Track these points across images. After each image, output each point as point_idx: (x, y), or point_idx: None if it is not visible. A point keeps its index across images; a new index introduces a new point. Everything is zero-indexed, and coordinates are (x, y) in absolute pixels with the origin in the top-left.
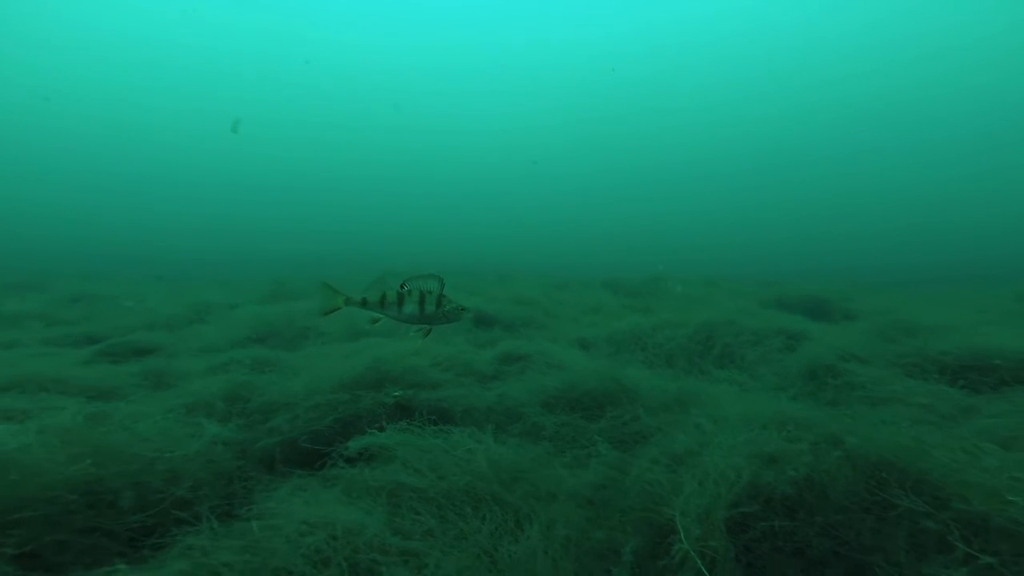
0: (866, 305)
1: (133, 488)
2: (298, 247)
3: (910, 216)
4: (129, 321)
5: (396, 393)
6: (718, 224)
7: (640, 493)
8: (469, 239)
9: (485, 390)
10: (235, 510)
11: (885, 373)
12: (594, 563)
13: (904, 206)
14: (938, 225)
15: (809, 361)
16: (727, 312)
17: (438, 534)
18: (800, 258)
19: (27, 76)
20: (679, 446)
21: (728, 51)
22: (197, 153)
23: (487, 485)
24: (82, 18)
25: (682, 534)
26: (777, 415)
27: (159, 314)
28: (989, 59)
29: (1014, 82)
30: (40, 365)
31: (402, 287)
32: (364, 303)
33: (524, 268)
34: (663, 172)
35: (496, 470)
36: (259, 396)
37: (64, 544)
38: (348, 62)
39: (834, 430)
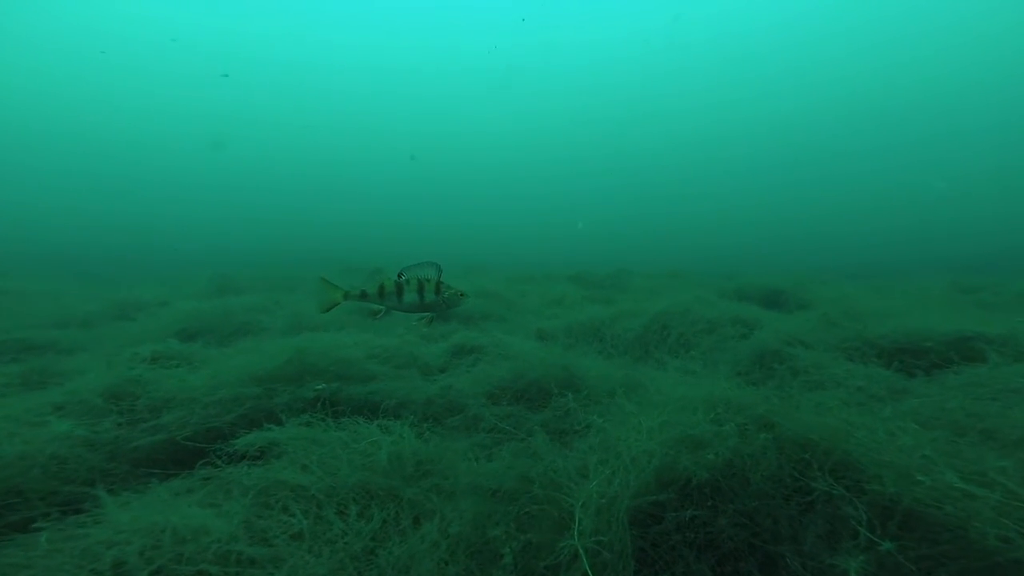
0: (819, 295)
1: None
2: (258, 247)
3: (864, 214)
4: (35, 318)
5: (318, 387)
6: (687, 221)
7: (548, 484)
8: (440, 236)
9: (429, 382)
10: (74, 516)
11: (827, 357)
12: (484, 564)
13: (859, 205)
14: (889, 222)
15: (758, 347)
16: (684, 302)
17: (308, 536)
18: (763, 253)
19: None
20: (605, 434)
21: (714, 52)
22: (163, 153)
23: (385, 480)
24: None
25: (576, 528)
26: (712, 398)
27: (77, 311)
28: (958, 59)
29: (978, 86)
30: None
31: (399, 277)
32: (363, 295)
33: (493, 262)
34: (639, 172)
35: (399, 464)
36: (152, 392)
37: None
38: (344, 62)
39: (763, 412)
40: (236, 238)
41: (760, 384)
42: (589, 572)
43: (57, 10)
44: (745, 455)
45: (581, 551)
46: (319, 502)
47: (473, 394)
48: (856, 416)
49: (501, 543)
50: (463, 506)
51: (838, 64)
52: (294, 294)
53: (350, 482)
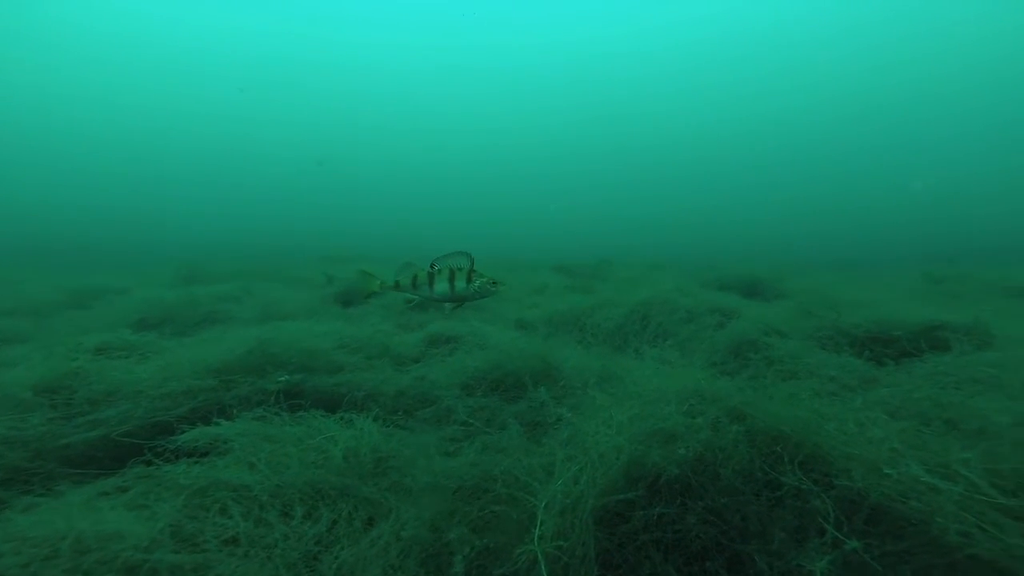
0: (796, 285)
1: None
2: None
3: (842, 208)
4: None
5: (280, 378)
6: (671, 213)
7: (512, 483)
8: (424, 225)
9: (401, 373)
10: None
11: (802, 346)
12: (435, 571)
13: (837, 200)
14: (864, 217)
15: (736, 337)
16: (664, 292)
17: (244, 541)
18: (744, 244)
19: None
20: (575, 428)
21: (699, 50)
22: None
23: (338, 479)
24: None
25: (537, 532)
26: (685, 390)
27: (29, 299)
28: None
29: (954, 90)
30: None
31: (432, 266)
32: (398, 286)
33: (479, 252)
34: (624, 166)
35: (357, 461)
36: (93, 385)
37: None
38: (321, 58)
39: (737, 404)
40: (212, 229)
41: (736, 374)
42: None
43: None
44: (716, 448)
45: (540, 557)
46: (262, 503)
47: (447, 385)
48: (827, 407)
49: (457, 547)
50: (422, 506)
51: (821, 65)
52: (267, 283)
53: (299, 481)
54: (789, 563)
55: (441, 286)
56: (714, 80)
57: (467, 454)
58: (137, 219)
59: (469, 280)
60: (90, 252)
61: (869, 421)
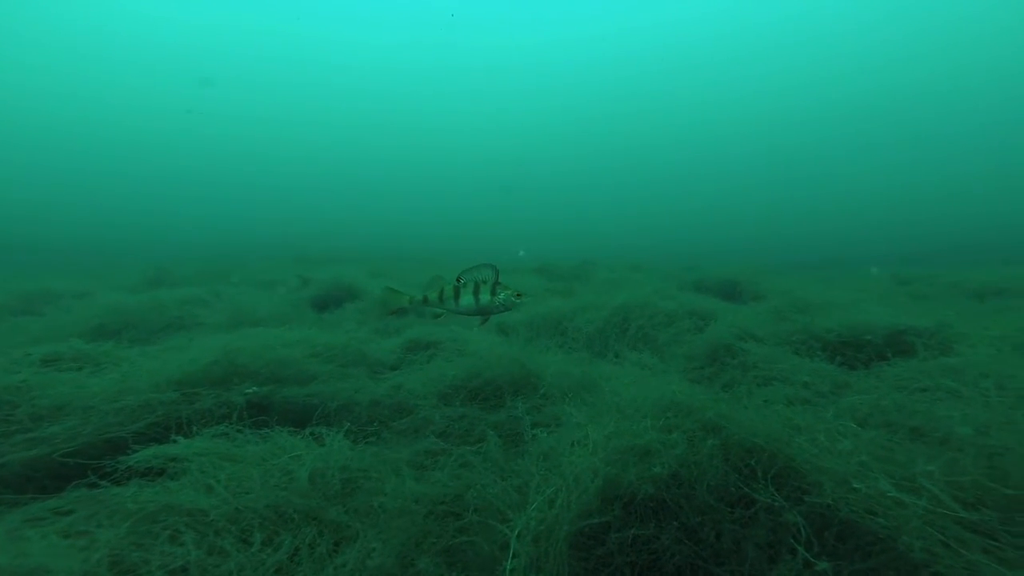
0: (773, 286)
1: None
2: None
3: (817, 209)
4: None
5: (247, 390)
6: (652, 216)
7: (485, 508)
8: (413, 227)
9: (377, 382)
10: None
11: (777, 352)
12: None
13: (813, 203)
14: (839, 217)
15: (713, 342)
16: (644, 295)
17: (194, 570)
18: (723, 245)
19: None
20: (552, 447)
21: (686, 54)
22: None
23: (303, 501)
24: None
25: (508, 565)
26: (662, 402)
27: None
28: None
29: (928, 95)
30: None
31: (458, 280)
32: (426, 300)
33: (461, 254)
34: (608, 169)
35: (324, 481)
36: (37, 399)
37: None
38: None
39: (712, 416)
40: (184, 231)
41: (713, 379)
42: None
43: None
44: (692, 464)
45: None
46: (219, 529)
47: (425, 394)
48: (801, 416)
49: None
50: (390, 532)
51: (804, 67)
52: (239, 287)
53: (261, 505)
54: None
55: (466, 299)
56: (697, 84)
57: (441, 473)
58: (104, 220)
59: (494, 293)
60: (48, 254)
61: (840, 432)
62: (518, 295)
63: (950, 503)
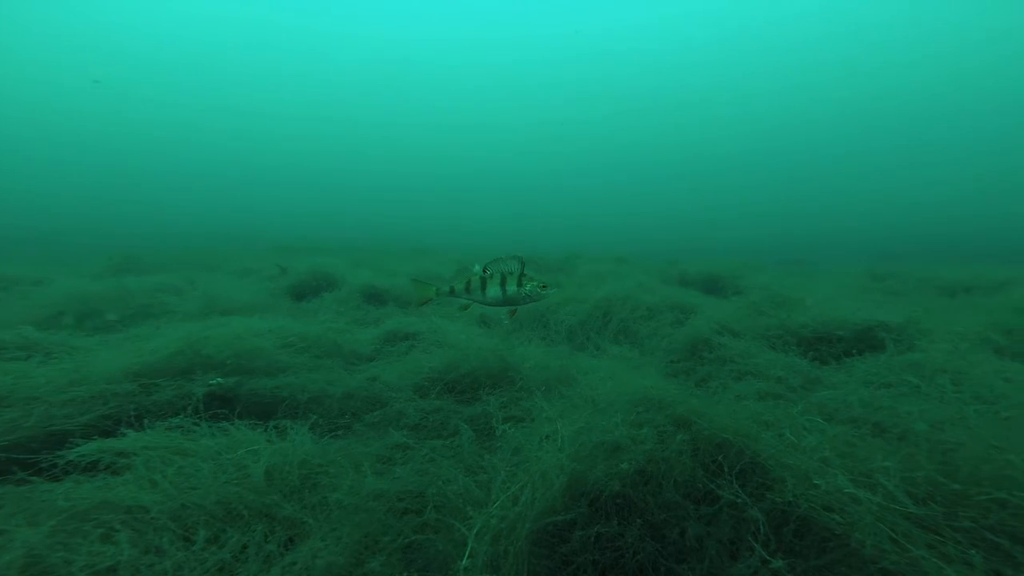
0: (753, 281)
1: None
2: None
3: (799, 207)
4: None
5: (212, 382)
6: (639, 208)
7: (444, 506)
8: (398, 220)
9: (352, 373)
10: None
11: (753, 346)
12: None
13: (796, 200)
14: (820, 214)
15: (692, 336)
16: (626, 288)
17: (124, 571)
18: (710, 239)
19: None
20: (519, 444)
21: (677, 52)
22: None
23: (256, 497)
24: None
25: (463, 563)
26: (635, 396)
27: None
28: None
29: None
30: None
31: (484, 271)
32: (452, 292)
33: (447, 244)
34: (596, 163)
35: (284, 475)
36: None
37: None
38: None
39: (683, 411)
40: (160, 217)
41: (691, 373)
42: None
43: None
44: (660, 460)
45: None
46: (159, 527)
47: (400, 387)
48: (771, 411)
49: None
50: (345, 530)
51: (797, 70)
52: (215, 273)
53: (209, 501)
54: None
55: (493, 291)
56: (690, 82)
57: (403, 468)
58: (75, 205)
59: (520, 284)
60: (11, 243)
61: (806, 428)
62: (543, 286)
63: (903, 499)
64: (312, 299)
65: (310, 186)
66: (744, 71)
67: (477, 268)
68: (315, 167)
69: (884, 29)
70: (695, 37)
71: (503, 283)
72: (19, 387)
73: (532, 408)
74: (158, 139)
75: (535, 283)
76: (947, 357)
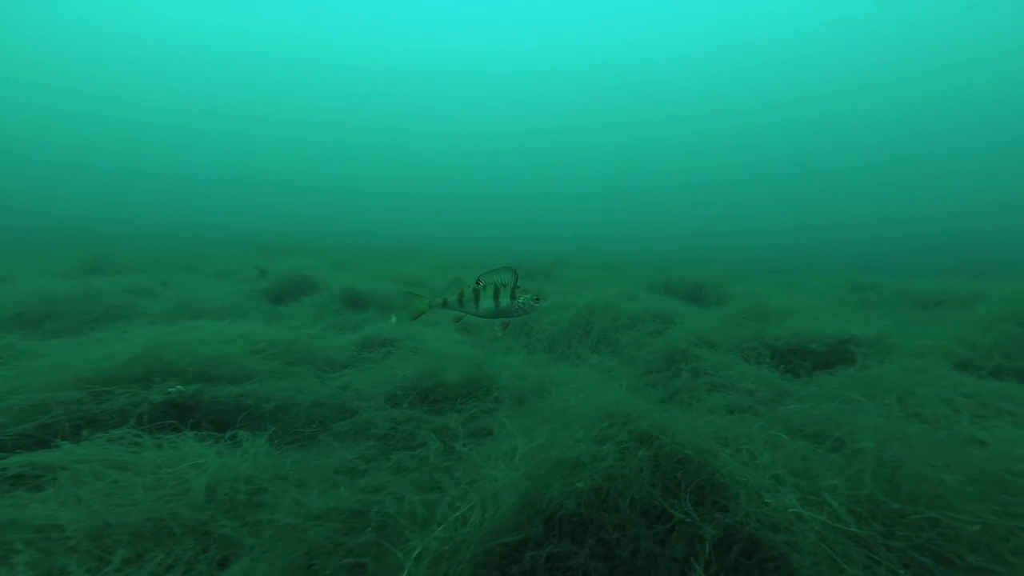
0: (735, 291)
1: None
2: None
3: (785, 215)
4: None
5: (171, 389)
6: (632, 212)
7: (386, 528)
8: (385, 222)
9: (323, 381)
10: None
11: (729, 358)
12: None
13: (783, 208)
14: (803, 223)
15: (669, 347)
16: (609, 296)
17: None
18: (698, 246)
19: None
20: (473, 464)
21: (671, 61)
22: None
23: (193, 514)
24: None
25: None
26: (603, 410)
27: None
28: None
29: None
30: None
31: (477, 283)
32: (445, 304)
33: (431, 248)
34: (586, 171)
35: (227, 491)
36: None
37: None
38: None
39: (646, 427)
40: (140, 216)
41: (667, 384)
42: None
43: None
44: (618, 477)
45: None
46: (73, 547)
47: (372, 395)
48: (732, 426)
49: None
50: (280, 549)
51: (799, 79)
52: (192, 274)
53: (136, 518)
54: None
55: (486, 303)
56: (681, 93)
57: (351, 487)
58: (52, 203)
59: (513, 296)
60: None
61: (770, 442)
62: (537, 299)
63: (847, 517)
64: (291, 303)
65: (296, 188)
66: (736, 83)
67: (459, 278)
68: (301, 168)
69: (869, 42)
70: (685, 49)
71: (496, 295)
72: None
73: (503, 420)
74: (143, 140)
75: (528, 295)
76: (901, 373)
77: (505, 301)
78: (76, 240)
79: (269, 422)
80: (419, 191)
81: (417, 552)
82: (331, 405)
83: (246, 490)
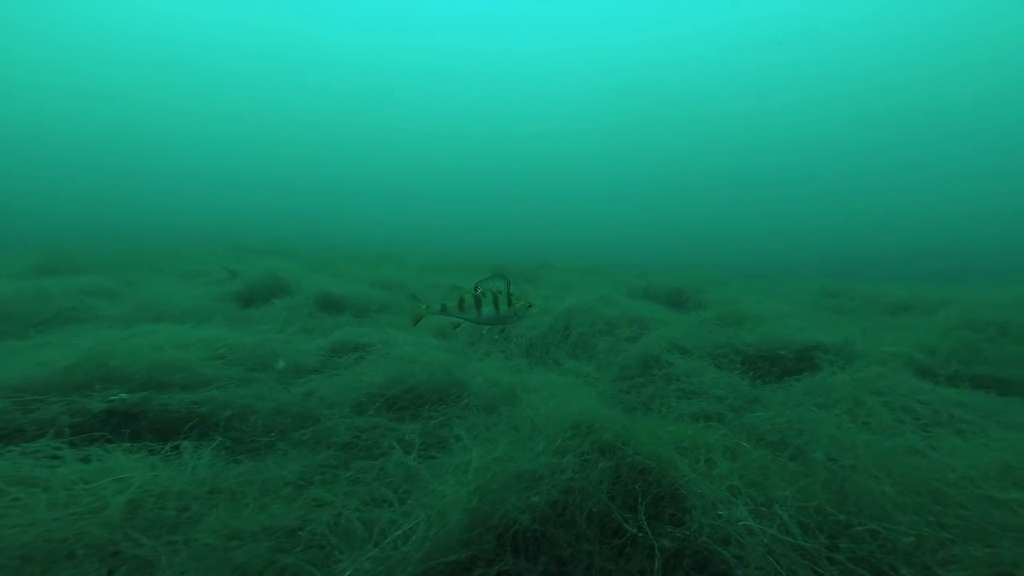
0: (715, 296)
1: None
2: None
3: (765, 221)
4: None
5: (114, 397)
6: (616, 216)
7: (313, 547)
8: (365, 224)
9: (287, 387)
10: None
11: (701, 364)
12: None
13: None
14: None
15: (643, 353)
16: (589, 301)
17: None
18: (682, 251)
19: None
20: (421, 480)
21: (669, 65)
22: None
23: (105, 533)
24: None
25: None
26: (569, 421)
27: None
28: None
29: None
30: None
31: (475, 290)
32: (444, 310)
33: (411, 250)
34: (575, 174)
35: (147, 509)
36: None
37: None
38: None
39: (609, 437)
40: (107, 214)
41: (640, 391)
42: None
43: None
44: (576, 491)
45: None
46: None
47: (337, 402)
48: (693, 435)
49: None
50: (196, 571)
51: (788, 84)
52: (160, 274)
53: (28, 539)
54: None
55: (487, 309)
56: (668, 96)
57: (288, 502)
58: (10, 199)
59: (509, 303)
60: None
61: (728, 452)
62: (529, 305)
63: (795, 530)
64: (262, 305)
65: (291, 188)
66: (715, 90)
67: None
68: (294, 168)
69: (845, 50)
70: (683, 52)
71: (495, 302)
72: None
73: (472, 426)
74: (133, 138)
75: (522, 302)
76: (852, 383)
77: (504, 307)
78: (44, 240)
79: (223, 431)
80: (410, 192)
81: (348, 574)
82: (293, 413)
83: (175, 506)
